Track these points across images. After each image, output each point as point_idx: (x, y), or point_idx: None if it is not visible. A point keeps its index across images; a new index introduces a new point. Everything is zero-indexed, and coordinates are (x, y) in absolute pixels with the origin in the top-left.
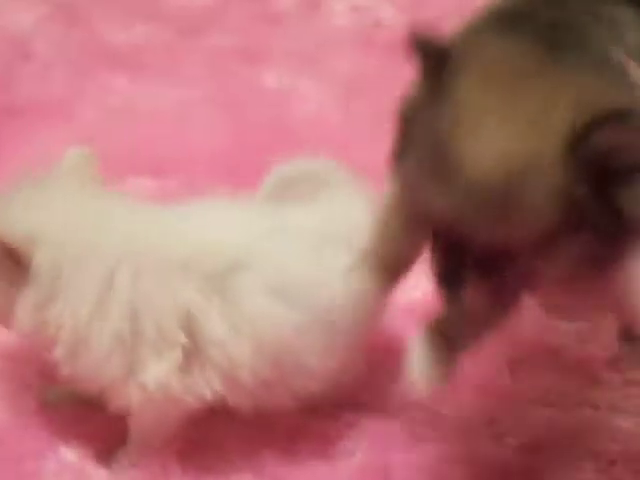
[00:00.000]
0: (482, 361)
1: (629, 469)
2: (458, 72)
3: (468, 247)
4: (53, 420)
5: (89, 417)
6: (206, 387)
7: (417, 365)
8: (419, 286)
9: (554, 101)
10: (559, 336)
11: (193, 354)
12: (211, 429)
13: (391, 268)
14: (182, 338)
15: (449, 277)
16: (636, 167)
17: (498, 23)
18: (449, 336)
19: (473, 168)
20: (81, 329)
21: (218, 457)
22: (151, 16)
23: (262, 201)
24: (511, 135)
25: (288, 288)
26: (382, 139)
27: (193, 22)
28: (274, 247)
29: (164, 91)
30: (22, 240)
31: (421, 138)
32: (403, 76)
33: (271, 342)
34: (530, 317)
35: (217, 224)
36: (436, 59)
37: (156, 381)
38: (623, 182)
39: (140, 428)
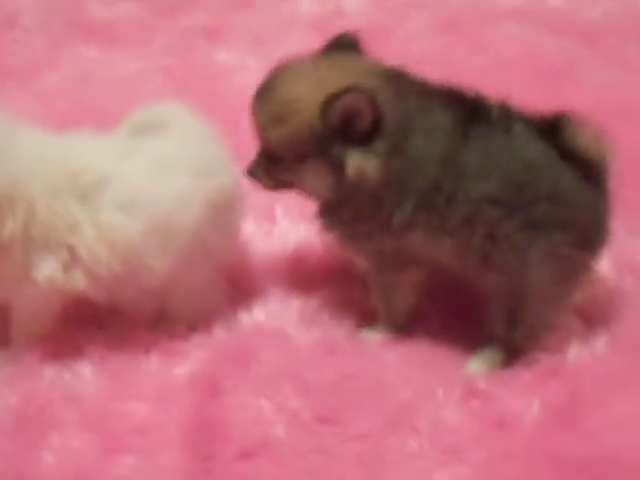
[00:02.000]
0: None
1: None
2: None
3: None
4: None
5: None
6: (78, 281)
7: None
8: (278, 236)
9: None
10: None
11: (71, 255)
12: (77, 333)
13: None
14: (69, 239)
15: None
16: (358, 135)
17: None
18: None
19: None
20: None
21: (75, 355)
22: None
23: (120, 136)
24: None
25: (133, 203)
26: None
27: (171, 3)
28: (125, 171)
29: (126, 62)
30: None
31: None
32: None
33: (121, 245)
34: None
35: (87, 151)
36: None
37: (45, 276)
38: (347, 144)
39: (22, 321)
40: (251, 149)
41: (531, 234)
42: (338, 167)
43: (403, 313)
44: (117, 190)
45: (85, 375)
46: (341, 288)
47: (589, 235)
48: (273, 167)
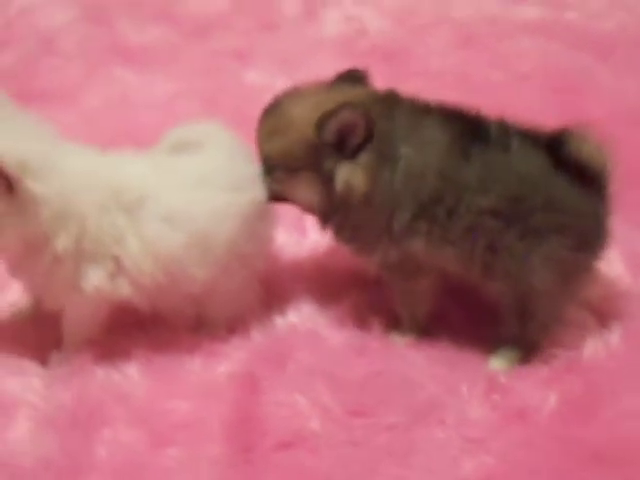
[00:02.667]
0: None
1: None
2: None
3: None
4: None
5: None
6: (123, 289)
7: None
8: (308, 245)
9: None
10: None
11: (117, 265)
12: (124, 337)
13: None
14: (115, 251)
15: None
16: (349, 149)
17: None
18: None
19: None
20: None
21: (123, 358)
22: (166, 20)
23: (159, 154)
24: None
25: (174, 217)
26: None
27: (202, 27)
28: (165, 187)
29: (160, 84)
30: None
31: None
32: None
33: (164, 256)
34: None
35: (130, 169)
36: None
37: (93, 285)
38: (338, 158)
39: (72, 326)
40: None
41: (530, 242)
42: (328, 180)
43: (423, 317)
44: (158, 205)
45: (133, 375)
46: (368, 292)
47: (587, 238)
48: (268, 179)
